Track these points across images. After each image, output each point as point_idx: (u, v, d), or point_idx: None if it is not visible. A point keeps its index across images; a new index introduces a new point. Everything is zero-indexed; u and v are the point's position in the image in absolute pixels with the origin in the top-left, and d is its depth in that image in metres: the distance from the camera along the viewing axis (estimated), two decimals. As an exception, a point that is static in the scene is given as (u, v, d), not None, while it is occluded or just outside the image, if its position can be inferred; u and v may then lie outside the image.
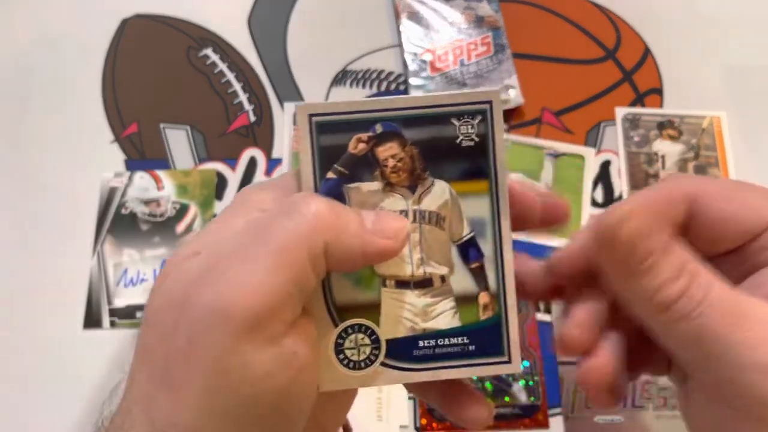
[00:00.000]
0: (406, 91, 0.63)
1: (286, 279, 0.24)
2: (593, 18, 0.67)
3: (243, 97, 0.63)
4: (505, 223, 0.28)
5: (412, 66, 0.63)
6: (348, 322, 0.27)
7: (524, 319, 0.52)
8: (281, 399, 0.25)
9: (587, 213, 0.57)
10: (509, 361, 0.28)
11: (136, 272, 0.55)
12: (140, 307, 0.54)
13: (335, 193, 0.27)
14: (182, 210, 0.58)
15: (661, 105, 0.63)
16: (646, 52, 0.66)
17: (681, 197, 0.29)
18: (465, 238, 0.28)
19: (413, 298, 0.28)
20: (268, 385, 0.24)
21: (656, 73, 0.65)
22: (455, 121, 0.27)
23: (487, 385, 0.51)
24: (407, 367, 0.28)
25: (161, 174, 0.59)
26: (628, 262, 0.26)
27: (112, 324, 0.53)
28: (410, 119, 0.27)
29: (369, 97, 0.63)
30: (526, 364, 0.51)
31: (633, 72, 0.65)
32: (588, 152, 0.60)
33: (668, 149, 0.60)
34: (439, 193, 0.28)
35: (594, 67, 0.65)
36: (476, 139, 0.27)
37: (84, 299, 0.54)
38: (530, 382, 0.51)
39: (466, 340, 0.28)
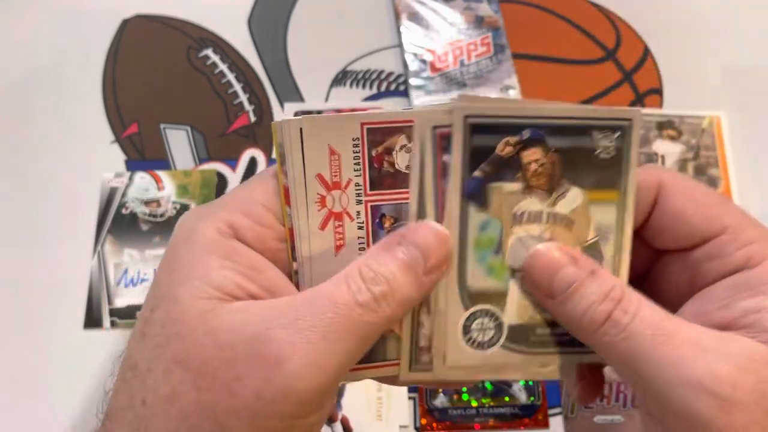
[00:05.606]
0: (406, 92, 0.63)
1: (351, 361, 0.26)
2: (593, 18, 0.67)
3: (243, 98, 0.63)
4: (628, 233, 0.29)
5: (413, 66, 0.63)
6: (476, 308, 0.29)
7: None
8: None
9: (587, 213, 0.57)
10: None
11: (137, 272, 0.55)
12: (140, 308, 0.54)
13: (478, 190, 0.28)
14: (183, 210, 0.58)
15: (660, 105, 0.63)
16: (646, 52, 0.66)
17: (653, 183, 0.30)
18: (589, 242, 0.30)
19: None
20: None
21: (656, 73, 0.65)
22: (596, 134, 0.28)
23: (487, 384, 0.51)
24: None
25: (161, 174, 0.59)
26: (551, 291, 0.28)
27: (113, 324, 0.53)
28: (555, 128, 0.28)
29: (365, 100, 0.63)
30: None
31: (633, 72, 0.65)
32: (588, 152, 0.60)
33: (668, 149, 0.60)
34: (572, 198, 0.29)
35: (594, 68, 0.65)
36: (613, 152, 0.29)
37: (84, 299, 0.54)
38: (530, 382, 0.51)
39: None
